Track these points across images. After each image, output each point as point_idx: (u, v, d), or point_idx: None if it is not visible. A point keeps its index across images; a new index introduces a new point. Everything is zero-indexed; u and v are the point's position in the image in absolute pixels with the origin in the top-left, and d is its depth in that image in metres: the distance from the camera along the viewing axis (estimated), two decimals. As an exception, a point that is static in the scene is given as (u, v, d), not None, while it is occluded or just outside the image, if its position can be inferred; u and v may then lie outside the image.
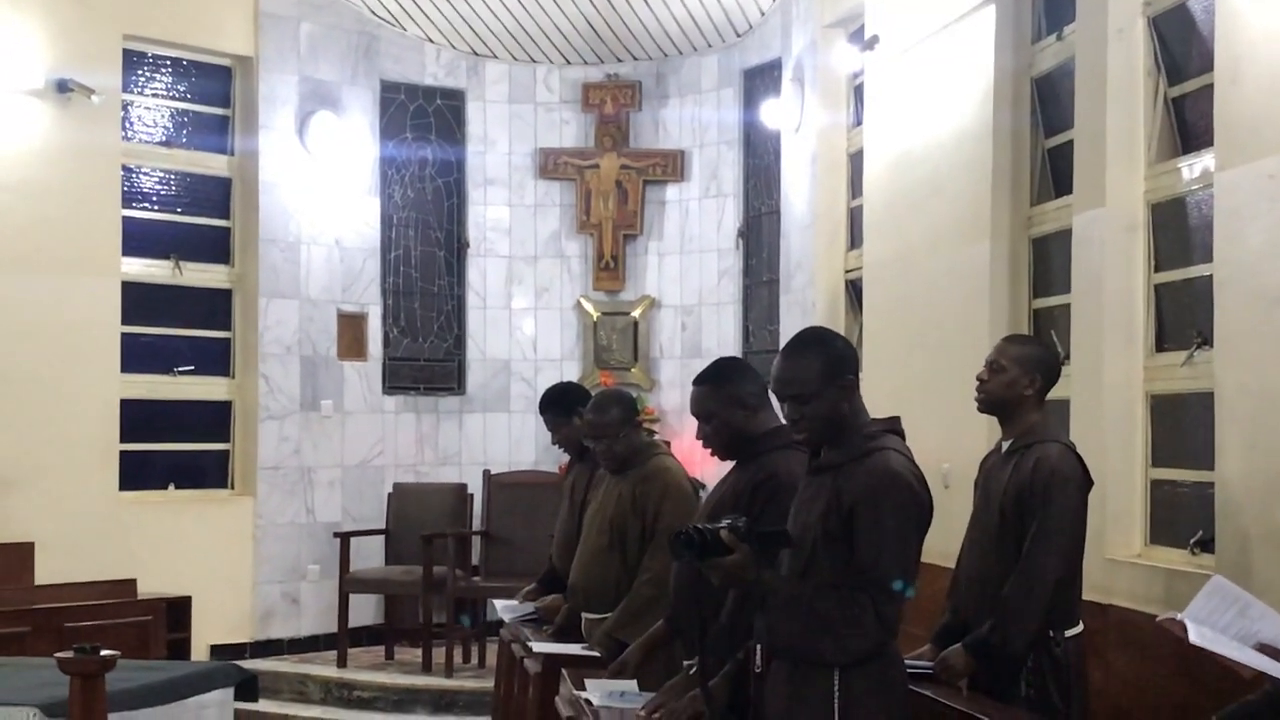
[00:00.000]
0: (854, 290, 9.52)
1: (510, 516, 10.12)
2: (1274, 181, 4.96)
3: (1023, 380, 5.13)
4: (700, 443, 5.42)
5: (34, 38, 9.14)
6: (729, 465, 5.44)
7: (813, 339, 4.18)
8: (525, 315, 11.15)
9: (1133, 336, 6.29)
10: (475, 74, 10.88)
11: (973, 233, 7.52)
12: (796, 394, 4.00)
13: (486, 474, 10.36)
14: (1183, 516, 5.82)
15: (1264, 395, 5.17)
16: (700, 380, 4.93)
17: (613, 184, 11.24)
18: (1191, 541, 5.76)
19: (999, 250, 7.33)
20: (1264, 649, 3.84)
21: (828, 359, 4.00)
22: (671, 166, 10.87)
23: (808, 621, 3.91)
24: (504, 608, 7.18)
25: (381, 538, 10.51)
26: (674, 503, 5.77)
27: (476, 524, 10.06)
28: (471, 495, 10.24)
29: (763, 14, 10.18)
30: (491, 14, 10.35)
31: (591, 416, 6.40)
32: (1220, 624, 3.88)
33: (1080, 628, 5.15)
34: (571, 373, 10.75)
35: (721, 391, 4.89)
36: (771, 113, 10.10)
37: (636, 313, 10.88)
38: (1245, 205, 5.11)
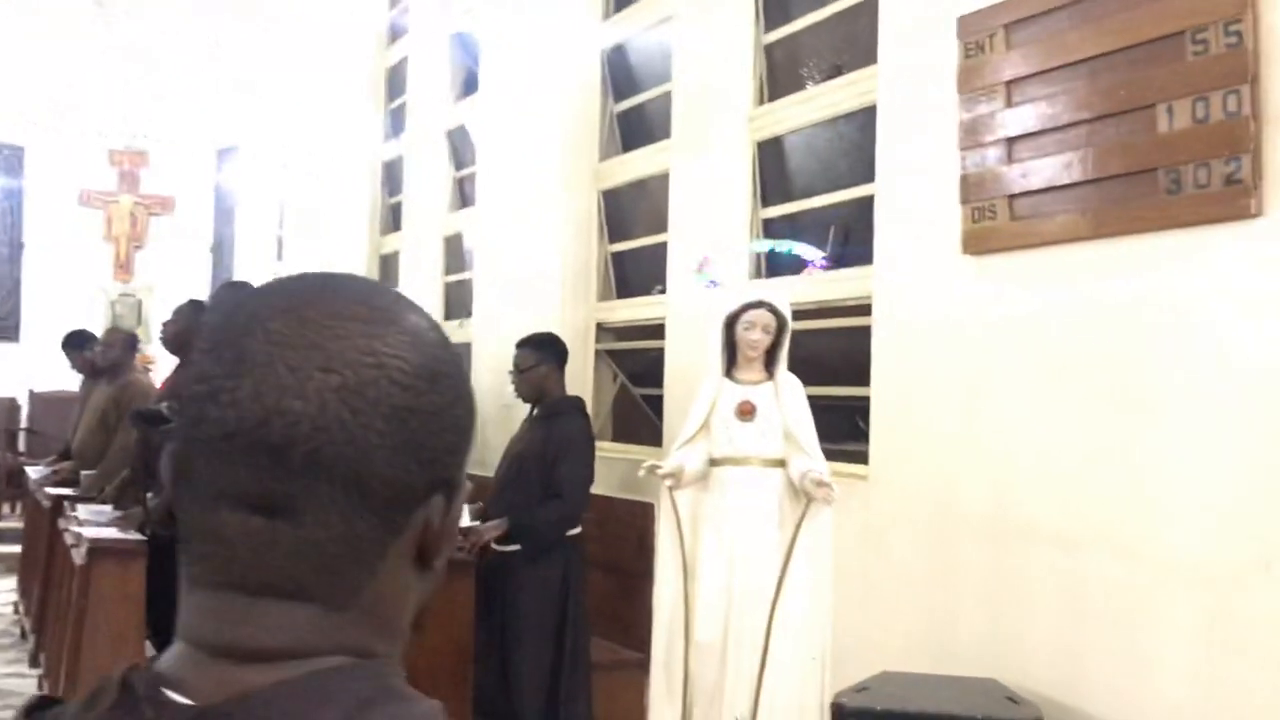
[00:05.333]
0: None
1: (46, 418, 9.31)
2: (503, 229, 5.43)
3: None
4: None
5: None
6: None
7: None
8: (64, 293, 10.20)
9: (435, 312, 6.63)
10: (41, 135, 9.82)
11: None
12: None
13: (31, 392, 9.39)
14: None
15: (499, 342, 5.81)
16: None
17: (128, 214, 10.50)
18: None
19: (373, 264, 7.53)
20: None
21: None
22: (166, 205, 10.19)
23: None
24: (34, 472, 6.62)
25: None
26: (137, 399, 5.61)
27: (24, 424, 8.97)
28: (20, 406, 9.11)
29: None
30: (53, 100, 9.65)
31: (101, 349, 6.23)
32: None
33: None
34: (97, 330, 9.96)
35: None
36: (226, 179, 9.84)
37: (142, 295, 10.08)
38: (488, 237, 5.59)
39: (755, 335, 2.92)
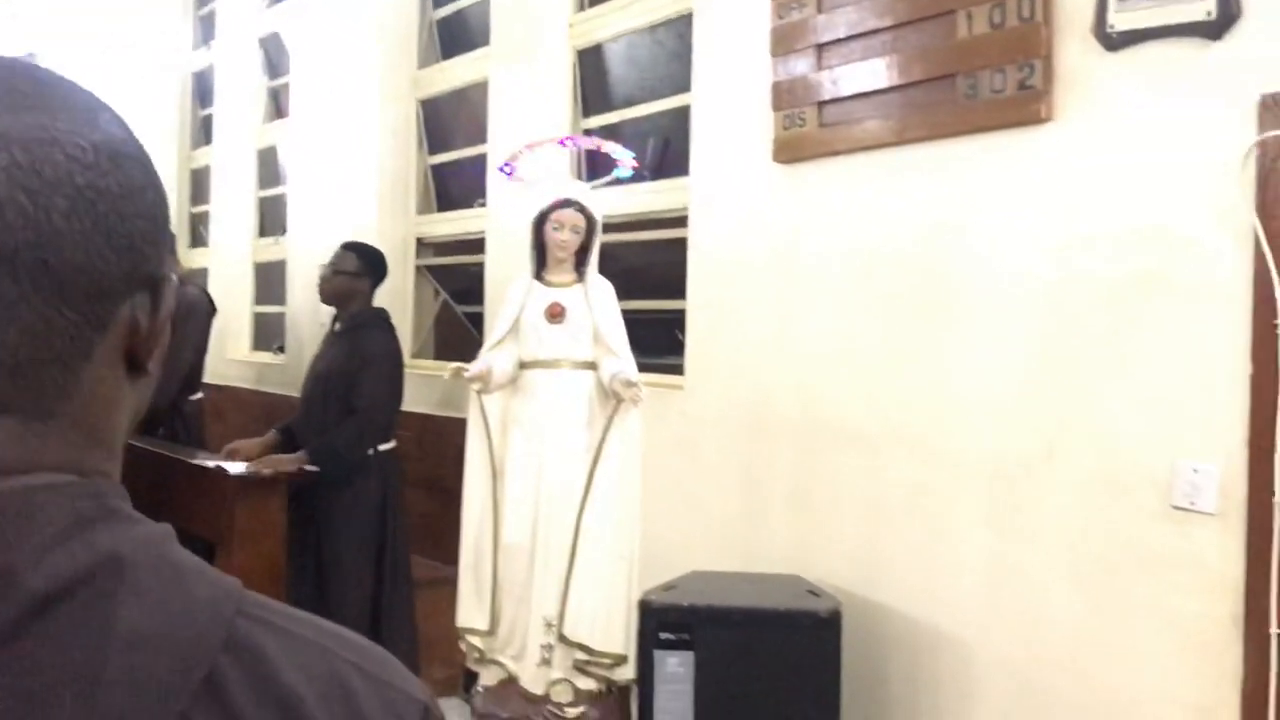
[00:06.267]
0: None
1: None
2: (319, 141, 5.81)
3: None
4: None
5: None
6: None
7: None
8: None
9: (249, 228, 6.37)
10: None
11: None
12: None
13: None
14: (272, 333, 5.97)
15: (314, 260, 5.22)
16: None
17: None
18: (275, 346, 5.87)
19: (183, 178, 7.16)
20: None
21: None
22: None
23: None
24: None
25: None
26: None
27: None
28: None
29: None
30: None
31: None
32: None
33: (200, 394, 5.08)
34: None
35: None
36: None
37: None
38: (303, 150, 5.40)
39: (564, 235, 2.88)
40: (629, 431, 2.87)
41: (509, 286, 3.04)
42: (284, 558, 4.20)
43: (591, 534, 2.82)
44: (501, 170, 3.11)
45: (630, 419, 2.86)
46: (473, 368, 2.93)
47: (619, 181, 3.32)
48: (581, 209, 2.88)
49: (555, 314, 2.87)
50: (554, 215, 2.88)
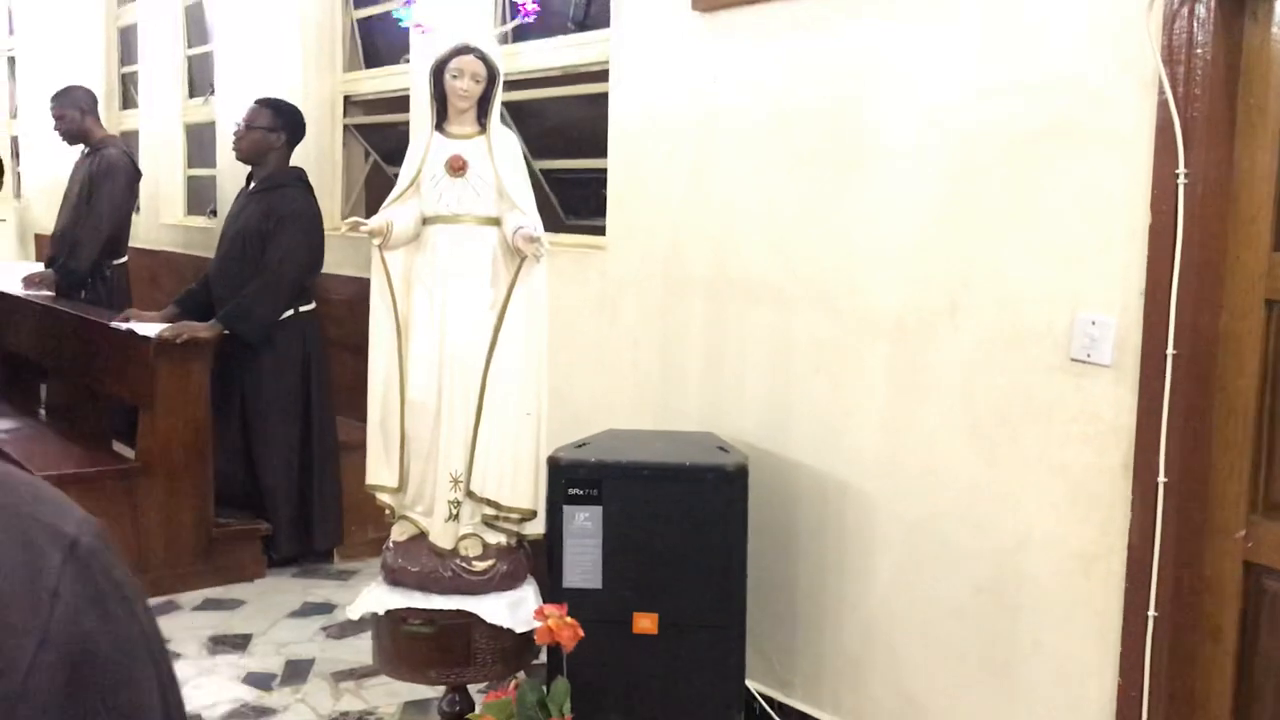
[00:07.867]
0: None
1: None
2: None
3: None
4: None
5: None
6: None
7: None
8: None
9: (178, 89, 6.19)
10: None
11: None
12: None
13: None
14: (205, 196, 5.86)
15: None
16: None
17: None
18: (209, 210, 5.78)
19: (111, 37, 6.88)
20: None
21: None
22: None
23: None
24: None
25: None
26: None
27: None
28: None
29: None
30: None
31: None
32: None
33: (125, 258, 5.02)
34: None
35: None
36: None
37: None
38: (229, 5, 5.18)
39: (464, 84, 2.79)
40: (534, 288, 2.83)
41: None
42: (209, 421, 4.19)
43: (497, 391, 2.80)
44: (405, 20, 3.00)
45: (535, 275, 2.82)
46: (371, 222, 2.87)
47: (521, 28, 3.22)
48: (482, 56, 2.78)
49: (456, 167, 2.80)
50: (452, 63, 2.78)
